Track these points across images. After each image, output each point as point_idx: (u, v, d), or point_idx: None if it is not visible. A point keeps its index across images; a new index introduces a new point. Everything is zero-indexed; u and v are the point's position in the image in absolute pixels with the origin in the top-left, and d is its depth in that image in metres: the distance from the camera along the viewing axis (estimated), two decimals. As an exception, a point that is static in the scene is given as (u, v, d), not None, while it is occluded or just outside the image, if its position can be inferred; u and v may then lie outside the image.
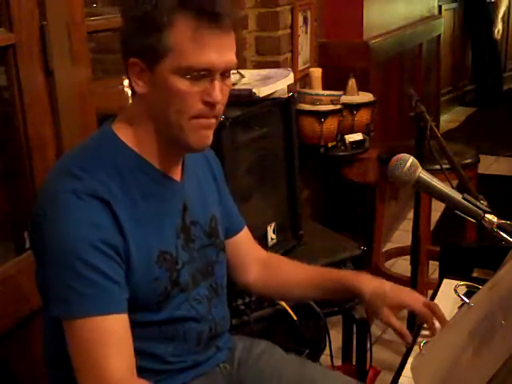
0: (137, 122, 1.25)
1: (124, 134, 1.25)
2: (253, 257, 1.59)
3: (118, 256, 1.18)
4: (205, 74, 1.17)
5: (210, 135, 1.24)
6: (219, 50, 1.17)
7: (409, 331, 1.37)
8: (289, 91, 2.21)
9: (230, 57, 1.20)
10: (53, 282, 1.17)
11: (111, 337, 1.15)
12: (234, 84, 1.25)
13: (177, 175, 1.32)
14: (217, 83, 1.19)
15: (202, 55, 1.15)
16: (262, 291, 1.62)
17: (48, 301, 1.21)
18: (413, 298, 1.40)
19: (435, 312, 1.35)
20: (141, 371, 1.20)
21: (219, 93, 1.19)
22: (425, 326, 1.38)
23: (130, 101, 1.30)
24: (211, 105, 1.20)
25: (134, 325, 1.20)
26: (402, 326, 1.37)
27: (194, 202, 1.36)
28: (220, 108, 1.22)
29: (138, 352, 1.20)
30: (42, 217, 1.17)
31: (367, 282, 1.44)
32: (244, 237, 1.58)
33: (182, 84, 1.17)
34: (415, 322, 1.43)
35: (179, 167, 1.33)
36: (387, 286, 1.43)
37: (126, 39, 1.21)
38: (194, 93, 1.18)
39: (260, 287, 1.59)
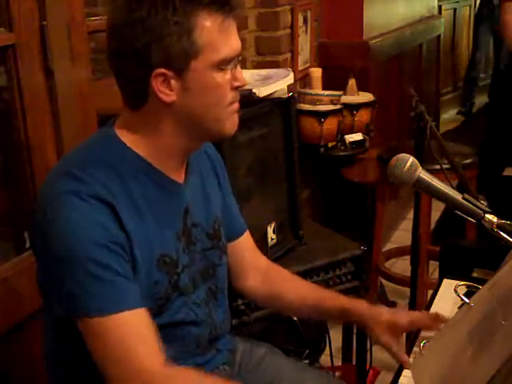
0: (148, 129, 1.22)
1: (127, 136, 1.24)
2: (253, 264, 1.56)
3: (125, 254, 1.18)
4: (232, 61, 1.21)
5: (237, 117, 1.28)
6: (236, 36, 1.21)
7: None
8: (289, 91, 2.21)
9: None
10: (63, 283, 1.15)
11: (134, 330, 1.15)
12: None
13: (180, 177, 1.31)
14: (239, 67, 1.24)
15: (229, 44, 1.19)
16: (259, 301, 1.61)
17: (58, 301, 1.19)
18: (408, 315, 1.38)
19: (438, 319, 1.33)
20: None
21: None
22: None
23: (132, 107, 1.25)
24: (237, 89, 1.24)
25: None
26: (401, 353, 1.33)
27: (197, 204, 1.35)
28: None
29: None
30: (43, 218, 1.17)
31: (365, 308, 1.41)
32: (245, 242, 1.54)
33: (218, 76, 1.19)
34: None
35: (183, 169, 1.32)
36: (384, 310, 1.41)
37: (145, 53, 1.15)
38: (227, 81, 1.21)
39: (257, 297, 1.57)
